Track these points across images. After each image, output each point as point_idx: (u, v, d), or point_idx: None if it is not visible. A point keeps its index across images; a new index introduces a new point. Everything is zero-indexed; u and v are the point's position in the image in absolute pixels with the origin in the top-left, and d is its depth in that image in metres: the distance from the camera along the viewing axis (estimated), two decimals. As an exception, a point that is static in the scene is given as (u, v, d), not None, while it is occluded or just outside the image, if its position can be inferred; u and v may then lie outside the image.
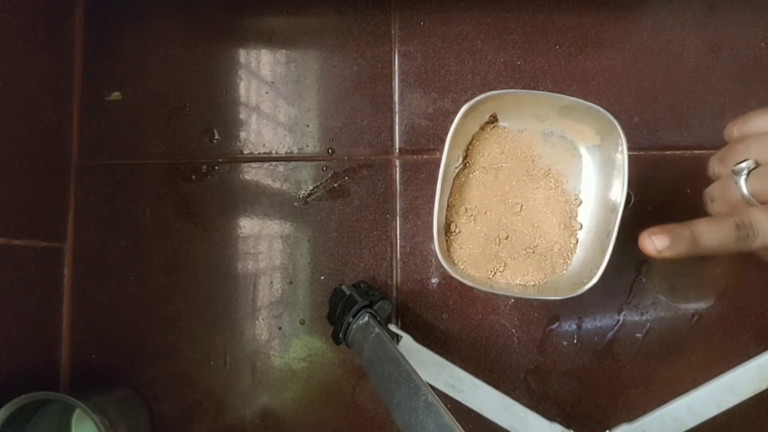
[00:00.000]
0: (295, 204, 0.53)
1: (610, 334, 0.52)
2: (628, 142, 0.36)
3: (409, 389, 0.31)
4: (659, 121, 0.53)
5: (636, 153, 0.53)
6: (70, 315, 0.53)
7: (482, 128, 0.42)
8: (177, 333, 0.53)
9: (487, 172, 0.42)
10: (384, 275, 0.53)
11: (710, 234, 0.31)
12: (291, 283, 0.53)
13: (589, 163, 0.41)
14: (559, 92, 0.38)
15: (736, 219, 0.31)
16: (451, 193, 0.41)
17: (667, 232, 0.31)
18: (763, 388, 0.38)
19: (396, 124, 0.54)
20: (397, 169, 0.53)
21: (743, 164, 0.33)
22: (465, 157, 0.42)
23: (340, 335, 0.43)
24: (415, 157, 0.53)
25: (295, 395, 0.52)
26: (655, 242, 0.31)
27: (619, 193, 0.37)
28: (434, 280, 0.52)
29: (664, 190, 0.52)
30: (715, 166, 0.36)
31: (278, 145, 0.54)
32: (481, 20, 0.54)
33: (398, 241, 0.53)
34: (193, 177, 0.54)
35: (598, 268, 0.36)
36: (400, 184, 0.53)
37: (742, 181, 0.33)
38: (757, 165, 0.33)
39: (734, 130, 0.35)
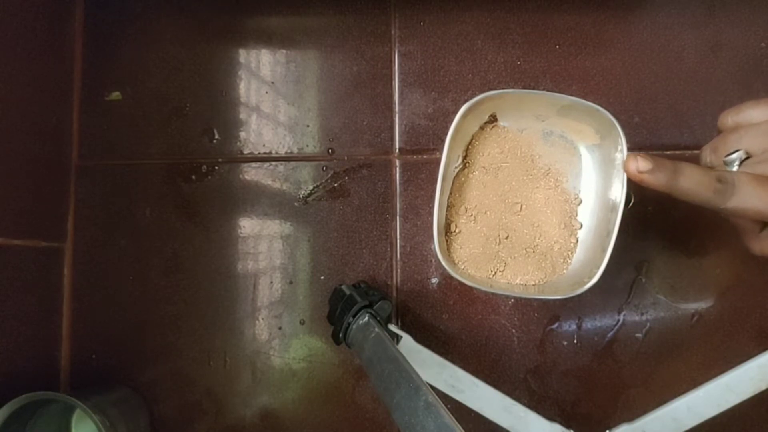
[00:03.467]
0: (295, 204, 0.53)
1: (610, 334, 0.52)
2: (628, 141, 0.37)
3: (409, 389, 0.31)
4: (659, 121, 0.53)
5: (636, 153, 0.52)
6: (70, 315, 0.53)
7: (482, 128, 0.42)
8: (177, 333, 0.53)
9: (486, 171, 0.42)
10: (384, 275, 0.53)
11: (691, 176, 0.31)
12: (291, 283, 0.53)
13: (589, 163, 0.41)
14: (559, 92, 0.38)
15: (720, 173, 0.32)
16: (451, 193, 0.41)
17: (652, 158, 0.32)
18: (763, 388, 0.38)
19: (396, 124, 0.54)
20: (397, 169, 0.53)
21: (734, 155, 0.33)
22: (465, 157, 0.42)
23: (340, 335, 0.43)
24: (415, 157, 0.53)
25: (295, 395, 0.52)
26: (639, 163, 0.32)
27: (619, 192, 0.37)
28: (434, 280, 0.52)
29: (664, 190, 0.52)
30: (707, 156, 0.36)
31: (278, 145, 0.54)
32: (481, 20, 0.54)
33: (398, 241, 0.53)
34: (193, 177, 0.54)
35: (598, 267, 0.36)
36: (400, 184, 0.53)
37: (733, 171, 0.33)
38: (749, 156, 0.33)
39: (728, 119, 0.35)
